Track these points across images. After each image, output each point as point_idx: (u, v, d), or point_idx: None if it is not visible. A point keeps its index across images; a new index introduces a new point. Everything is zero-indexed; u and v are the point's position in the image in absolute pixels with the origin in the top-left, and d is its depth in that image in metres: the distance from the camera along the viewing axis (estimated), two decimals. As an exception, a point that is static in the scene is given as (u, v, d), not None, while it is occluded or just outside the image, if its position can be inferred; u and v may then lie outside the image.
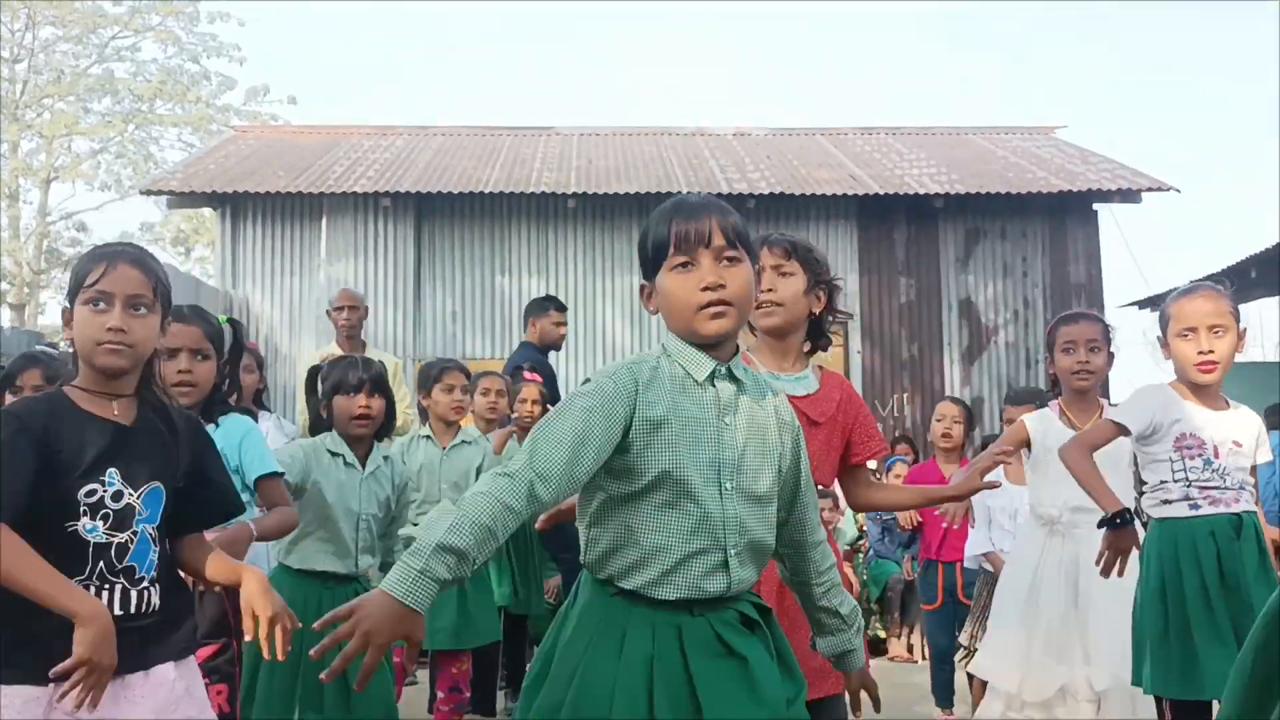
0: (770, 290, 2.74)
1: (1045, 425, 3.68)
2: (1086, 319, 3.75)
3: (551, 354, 6.99)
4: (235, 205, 12.13)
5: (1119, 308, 15.66)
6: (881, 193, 11.94)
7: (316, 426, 3.68)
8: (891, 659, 7.25)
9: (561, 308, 6.81)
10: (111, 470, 2.10)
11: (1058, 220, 12.38)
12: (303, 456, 3.51)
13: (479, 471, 4.62)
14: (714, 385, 2.04)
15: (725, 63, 57.89)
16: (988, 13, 59.54)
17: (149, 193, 12.77)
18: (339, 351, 6.28)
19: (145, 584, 2.11)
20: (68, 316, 2.17)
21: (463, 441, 4.79)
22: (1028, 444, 3.70)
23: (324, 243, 12.07)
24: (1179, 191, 12.19)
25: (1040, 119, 25.25)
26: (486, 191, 11.73)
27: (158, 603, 2.14)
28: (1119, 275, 41.17)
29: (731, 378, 2.06)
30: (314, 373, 3.85)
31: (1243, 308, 12.30)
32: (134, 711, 2.04)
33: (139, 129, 27.11)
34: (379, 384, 3.65)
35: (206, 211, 19.06)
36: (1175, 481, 3.06)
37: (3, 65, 25.24)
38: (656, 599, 1.94)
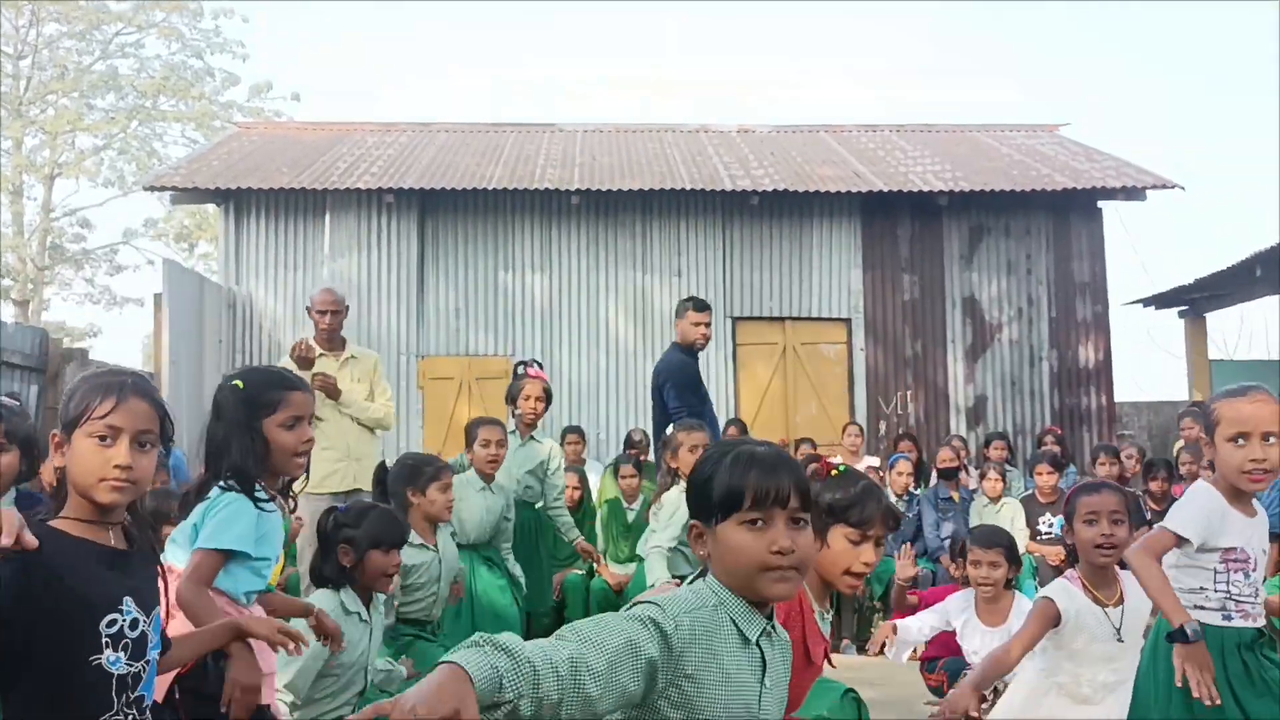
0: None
1: (1074, 602, 3.50)
2: (1109, 489, 3.60)
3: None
4: (239, 201, 12.13)
5: (1123, 305, 15.66)
6: (885, 190, 11.92)
7: (337, 575, 3.46)
8: (895, 656, 7.24)
9: (700, 307, 6.56)
10: (127, 598, 2.07)
11: (1062, 217, 12.37)
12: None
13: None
14: (759, 646, 1.99)
15: (729, 58, 57.90)
16: (992, 10, 59.51)
17: (152, 189, 12.77)
18: (317, 350, 6.24)
19: (146, 712, 2.10)
20: (58, 441, 2.08)
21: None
22: (1056, 622, 3.53)
23: (327, 238, 12.07)
24: (1184, 189, 12.18)
25: (1045, 116, 25.20)
26: (490, 188, 11.72)
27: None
28: (1123, 273, 41.09)
29: (769, 637, 2.02)
30: (329, 514, 3.61)
31: (1246, 306, 12.26)
32: None
33: (142, 125, 27.13)
34: (405, 540, 3.65)
35: (210, 207, 19.08)
36: (1216, 592, 2.96)
37: (6, 61, 25.25)
38: None
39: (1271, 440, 2.90)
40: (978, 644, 4.49)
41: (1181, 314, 14.12)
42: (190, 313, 11.20)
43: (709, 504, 1.97)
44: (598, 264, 12.16)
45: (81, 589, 1.99)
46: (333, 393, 6.11)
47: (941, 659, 5.05)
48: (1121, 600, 3.49)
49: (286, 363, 6.22)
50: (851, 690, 3.38)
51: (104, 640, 2.00)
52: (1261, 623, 2.99)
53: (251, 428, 2.74)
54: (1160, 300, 13.91)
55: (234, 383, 2.79)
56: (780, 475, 1.95)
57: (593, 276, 12.15)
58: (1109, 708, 3.46)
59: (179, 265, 12.35)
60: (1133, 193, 12.18)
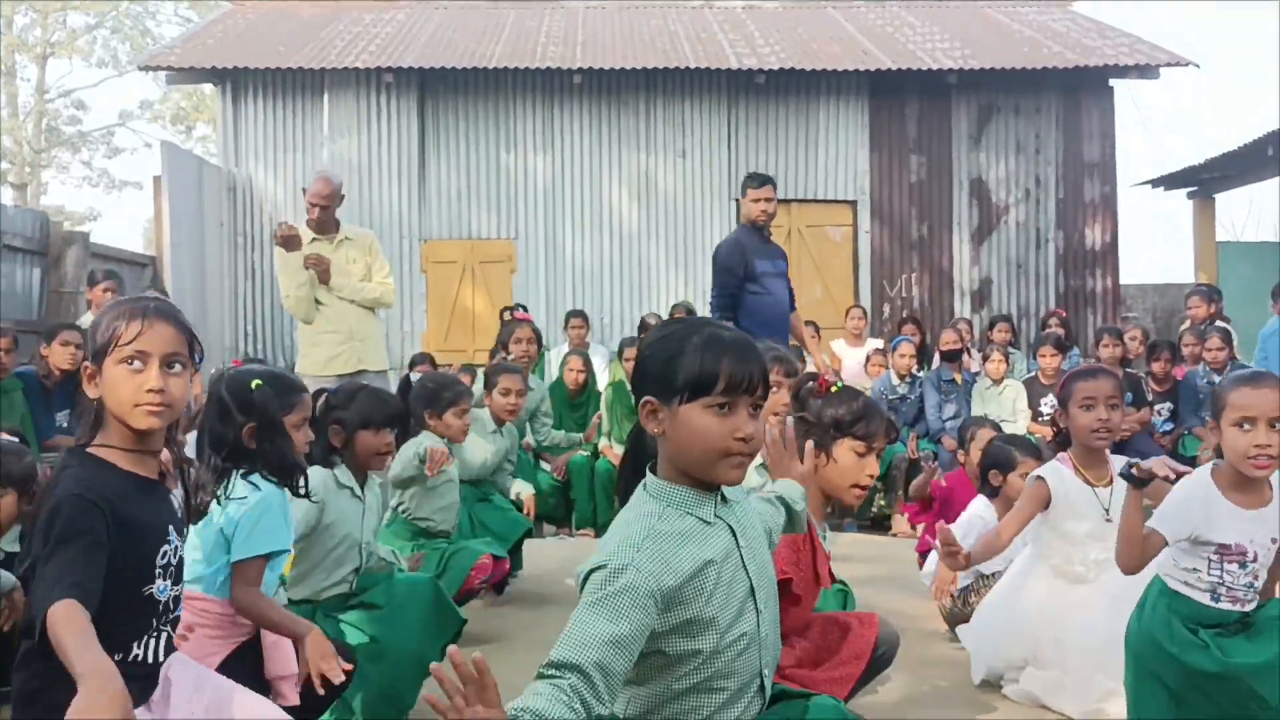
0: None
1: (1065, 483, 3.59)
2: (1104, 374, 3.63)
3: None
4: (235, 81, 11.93)
5: (1132, 186, 15.49)
6: (894, 68, 11.69)
7: (327, 455, 3.47)
8: (894, 535, 7.35)
9: (757, 182, 6.39)
10: (171, 528, 2.12)
11: (1072, 97, 12.16)
12: (321, 500, 3.38)
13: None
14: (719, 518, 2.01)
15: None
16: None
17: (147, 68, 12.53)
18: (310, 235, 6.17)
19: (175, 626, 2.19)
20: (90, 373, 2.08)
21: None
22: (1047, 503, 3.61)
23: (326, 119, 11.91)
24: (1198, 66, 11.93)
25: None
26: (491, 67, 11.50)
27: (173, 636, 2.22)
28: (1133, 154, 40.48)
29: (724, 500, 2.04)
30: (317, 397, 3.54)
31: (1257, 187, 12.15)
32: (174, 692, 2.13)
33: (135, 3, 26.55)
34: (399, 418, 3.63)
35: (207, 88, 18.77)
36: (1209, 576, 2.98)
37: (-8, -64, 24.60)
38: None
39: (1277, 426, 2.89)
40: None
41: (1190, 195, 13.98)
42: (190, 196, 11.11)
43: (672, 384, 1.93)
44: (601, 145, 12.00)
45: (139, 523, 2.02)
46: (324, 276, 6.06)
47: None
48: (1111, 481, 3.57)
49: (279, 248, 6.19)
50: (840, 582, 3.45)
51: (157, 570, 2.06)
52: (1250, 609, 3.02)
53: (281, 424, 2.84)
54: (1169, 181, 13.76)
55: (254, 382, 2.81)
56: (752, 363, 1.95)
57: (596, 157, 12.01)
58: (1103, 585, 3.54)
59: (177, 147, 12.20)
60: (1145, 70, 11.95)
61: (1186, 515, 2.96)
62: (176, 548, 2.13)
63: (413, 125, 11.87)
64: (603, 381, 8.52)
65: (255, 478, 2.77)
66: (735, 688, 1.97)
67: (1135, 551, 2.95)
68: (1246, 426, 2.90)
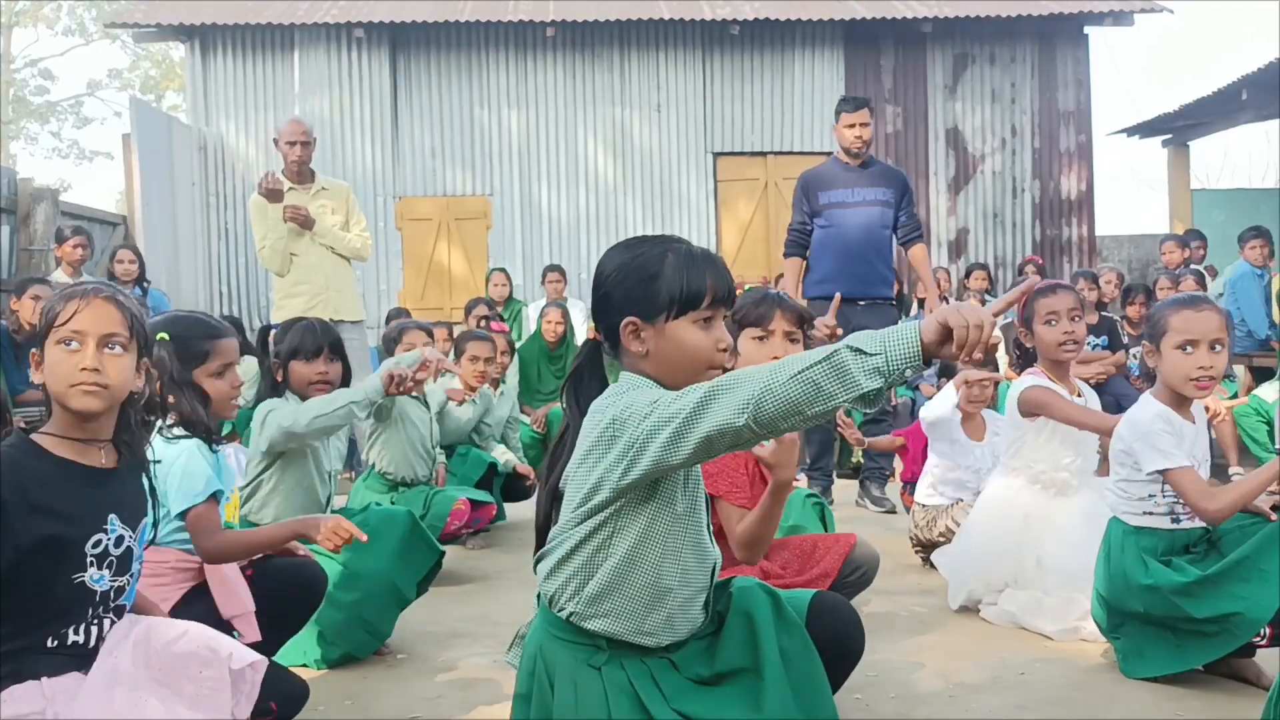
0: None
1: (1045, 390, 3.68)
2: (1064, 289, 3.72)
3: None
4: (204, 38, 11.77)
5: (1107, 135, 15.52)
6: (869, 17, 11.63)
7: (273, 390, 3.55)
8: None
9: (850, 107, 5.98)
10: (112, 516, 2.06)
11: (1048, 44, 12.14)
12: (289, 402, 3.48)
13: None
14: None
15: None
16: None
17: (113, 26, 12.37)
18: (287, 184, 6.13)
19: (114, 614, 2.12)
20: (37, 360, 2.05)
21: None
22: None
23: (297, 76, 11.77)
24: (1171, 12, 11.93)
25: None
26: (462, 21, 11.38)
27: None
28: (1108, 102, 40.49)
29: None
30: (265, 333, 3.72)
31: (1231, 134, 12.11)
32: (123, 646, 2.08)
33: (100, -32, 26.16)
34: (336, 348, 3.60)
35: (175, 56, 18.54)
36: (1164, 498, 3.03)
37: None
38: (644, 647, 1.95)
39: (1218, 348, 2.95)
40: (956, 474, 4.53)
41: (1165, 143, 13.99)
42: (161, 154, 10.98)
43: (655, 302, 1.94)
44: (575, 99, 11.91)
45: (60, 511, 1.98)
46: (306, 223, 6.03)
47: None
48: (1079, 394, 3.70)
49: (256, 199, 6.12)
50: (813, 494, 3.46)
51: (89, 560, 2.01)
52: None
53: (189, 380, 2.74)
54: (1144, 129, 13.75)
55: (159, 335, 2.71)
56: (726, 274, 2.00)
57: (571, 112, 11.92)
58: (1084, 498, 3.58)
59: (147, 105, 12.07)
60: (1120, 17, 11.94)
61: (1163, 441, 2.99)
62: (121, 537, 2.08)
63: (385, 81, 11.75)
64: (580, 336, 8.49)
65: (176, 432, 2.71)
66: (694, 585, 1.98)
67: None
68: (1189, 349, 2.95)
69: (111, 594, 2.07)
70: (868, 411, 5.96)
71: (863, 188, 5.94)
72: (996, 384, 4.58)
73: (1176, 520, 3.04)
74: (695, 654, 2.00)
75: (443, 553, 3.63)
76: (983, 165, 12.18)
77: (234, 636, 2.41)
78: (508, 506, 5.61)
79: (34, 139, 30.00)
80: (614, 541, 1.91)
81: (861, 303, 5.62)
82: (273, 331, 3.68)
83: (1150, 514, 3.06)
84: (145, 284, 7.86)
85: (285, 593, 2.76)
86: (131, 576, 2.10)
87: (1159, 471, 2.98)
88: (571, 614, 1.93)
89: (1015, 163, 12.21)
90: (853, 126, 5.92)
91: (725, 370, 1.95)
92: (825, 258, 5.92)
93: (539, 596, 2.02)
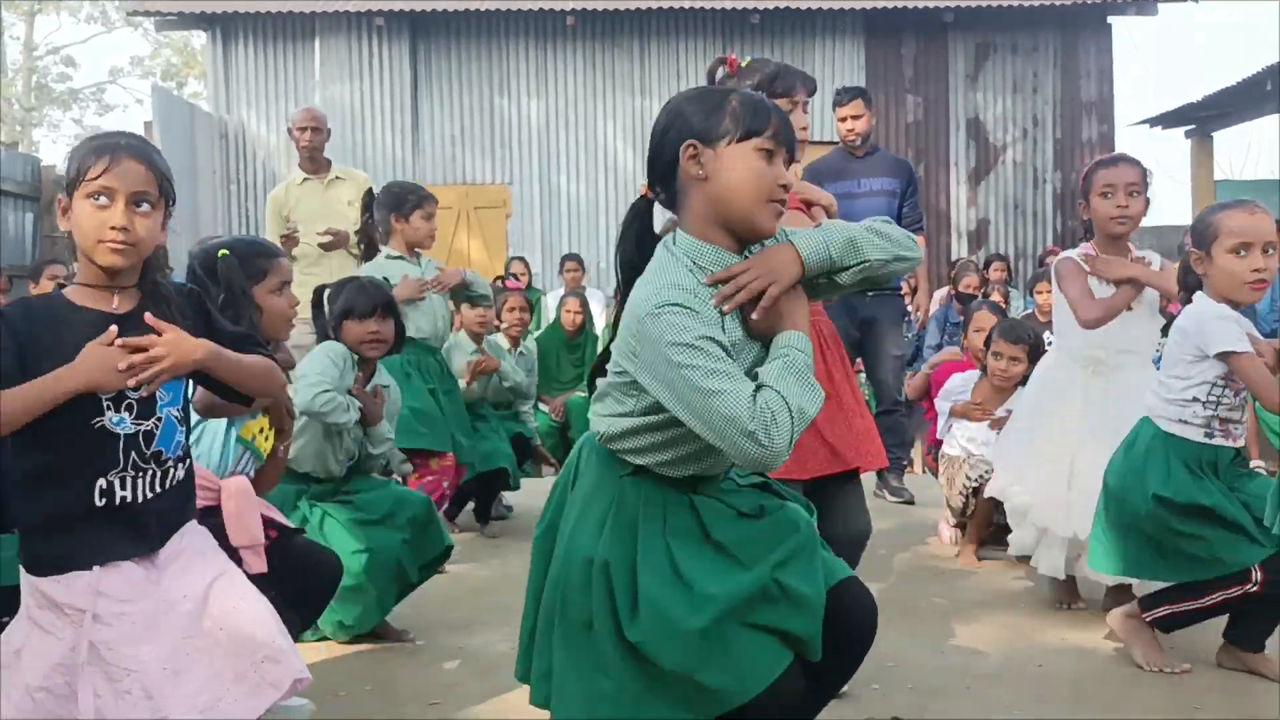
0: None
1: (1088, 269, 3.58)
2: (1126, 162, 3.58)
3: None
4: (225, 26, 11.81)
5: (1130, 126, 15.41)
6: (890, 6, 11.58)
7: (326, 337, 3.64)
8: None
9: (847, 98, 5.94)
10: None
11: (1070, 34, 12.06)
12: (341, 363, 3.51)
13: None
14: None
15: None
16: None
17: (136, 14, 12.41)
18: (301, 175, 6.16)
19: (171, 464, 2.13)
20: (64, 206, 2.06)
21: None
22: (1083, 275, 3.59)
23: (318, 64, 11.80)
24: (1196, 1, 11.83)
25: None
26: (482, 9, 11.39)
27: (182, 476, 2.17)
28: (1132, 93, 40.13)
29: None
30: (320, 292, 3.77)
31: (1255, 125, 11.95)
32: (174, 566, 2.09)
33: (122, -44, 26.24)
34: (390, 308, 3.65)
35: (196, 44, 18.61)
36: (1205, 406, 2.98)
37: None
38: (672, 476, 1.96)
39: (1271, 251, 2.91)
40: (972, 431, 4.52)
41: (1188, 134, 13.88)
42: (182, 142, 11.03)
43: (718, 127, 1.93)
44: (595, 87, 11.91)
45: (71, 355, 1.99)
46: (343, 241, 6.04)
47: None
48: (1149, 261, 3.54)
49: (275, 195, 6.16)
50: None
51: (104, 402, 2.02)
52: (1241, 444, 3.05)
53: (248, 294, 2.76)
54: (1167, 119, 13.65)
55: (220, 252, 2.74)
56: (789, 123, 1.99)
57: (590, 100, 11.92)
58: (1127, 375, 3.51)
59: (168, 93, 12.14)
60: (1143, 6, 11.85)
61: (1237, 326, 2.92)
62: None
63: (405, 69, 11.77)
64: (599, 324, 8.50)
65: None
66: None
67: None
68: (1243, 252, 2.91)
69: (141, 440, 2.07)
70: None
71: (868, 178, 5.89)
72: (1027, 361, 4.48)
73: (1210, 435, 3.00)
74: (724, 510, 2.00)
75: (452, 545, 3.65)
76: (1004, 155, 12.12)
77: (240, 567, 2.44)
78: (523, 496, 5.62)
79: (56, 126, 30.20)
80: (640, 402, 1.93)
81: (870, 294, 5.57)
82: (327, 291, 3.74)
83: (1185, 423, 3.02)
84: (168, 270, 7.90)
85: (303, 579, 2.77)
86: (159, 421, 2.10)
87: (1226, 355, 2.90)
88: (610, 443, 1.99)
89: (1037, 153, 12.14)
90: (844, 119, 5.89)
91: (781, 206, 1.94)
92: None
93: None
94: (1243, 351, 2.89)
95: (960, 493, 4.40)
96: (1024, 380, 4.46)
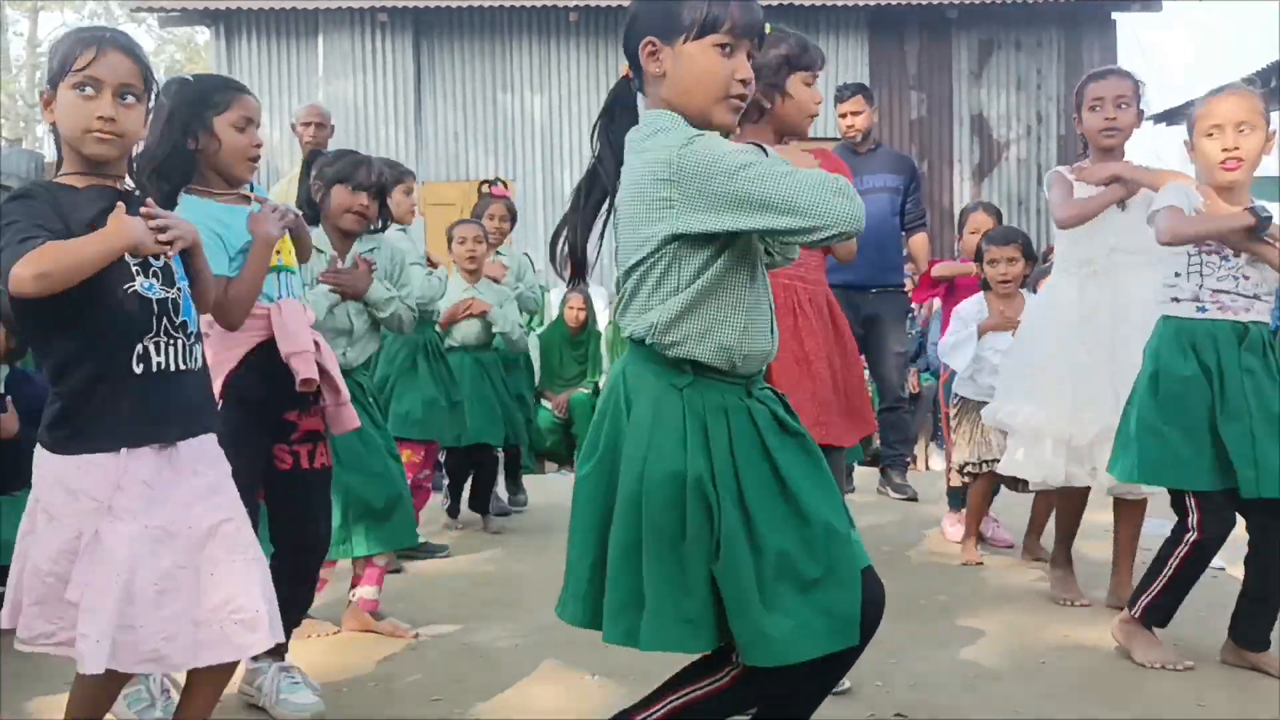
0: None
1: (1071, 180, 3.60)
2: (1116, 74, 3.61)
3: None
4: (229, 23, 11.82)
5: (1133, 124, 15.38)
6: (894, 2, 11.57)
7: (308, 216, 3.36)
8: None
9: (848, 94, 5.86)
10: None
11: (1074, 30, 12.04)
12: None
13: None
14: None
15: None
16: None
17: (140, 10, 12.42)
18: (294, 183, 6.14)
19: (194, 339, 2.17)
20: (48, 98, 2.09)
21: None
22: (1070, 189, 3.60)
23: (321, 61, 11.81)
24: (1201, -2, 11.80)
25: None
26: (485, 5, 11.39)
27: (200, 363, 2.20)
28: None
29: None
30: (313, 156, 3.69)
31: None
32: (191, 483, 2.12)
33: (125, -48, 26.24)
34: (382, 192, 3.55)
35: (200, 39, 18.63)
36: (1189, 278, 2.99)
37: (-21, -116, 24.28)
38: (732, 370, 1.95)
39: (1244, 130, 2.91)
40: (1002, 345, 4.33)
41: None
42: (185, 139, 11.05)
43: (677, 23, 1.93)
44: (598, 83, 11.91)
45: (101, 221, 2.02)
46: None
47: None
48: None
49: (280, 188, 6.14)
50: None
51: (133, 268, 2.06)
52: (1252, 317, 2.98)
53: (201, 124, 2.63)
54: (1170, 116, 13.63)
55: (181, 78, 2.68)
56: (755, 11, 1.96)
57: (593, 96, 11.92)
58: (1125, 276, 3.49)
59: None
60: (1148, 3, 11.83)
61: (1183, 194, 2.98)
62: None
63: (408, 65, 11.77)
64: (603, 320, 8.50)
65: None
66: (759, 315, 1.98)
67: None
68: (1214, 134, 2.94)
69: (170, 307, 2.11)
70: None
71: (871, 174, 5.82)
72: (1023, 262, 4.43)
73: (1203, 309, 2.99)
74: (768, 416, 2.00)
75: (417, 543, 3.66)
76: (1007, 152, 12.12)
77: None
78: (529, 492, 5.63)
79: (60, 122, 30.18)
80: (683, 272, 1.90)
81: (874, 290, 5.56)
82: (321, 156, 3.60)
83: (1177, 300, 3.03)
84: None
85: (323, 495, 2.83)
86: (180, 291, 2.14)
87: (1152, 215, 3.00)
88: (654, 344, 1.94)
89: (1040, 149, 12.13)
90: (844, 116, 5.84)
91: (740, 101, 1.95)
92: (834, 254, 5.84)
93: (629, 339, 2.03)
94: (1164, 205, 2.94)
95: (967, 467, 4.35)
96: (1025, 280, 4.45)
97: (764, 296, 2.00)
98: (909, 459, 6.08)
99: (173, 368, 2.11)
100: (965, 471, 4.40)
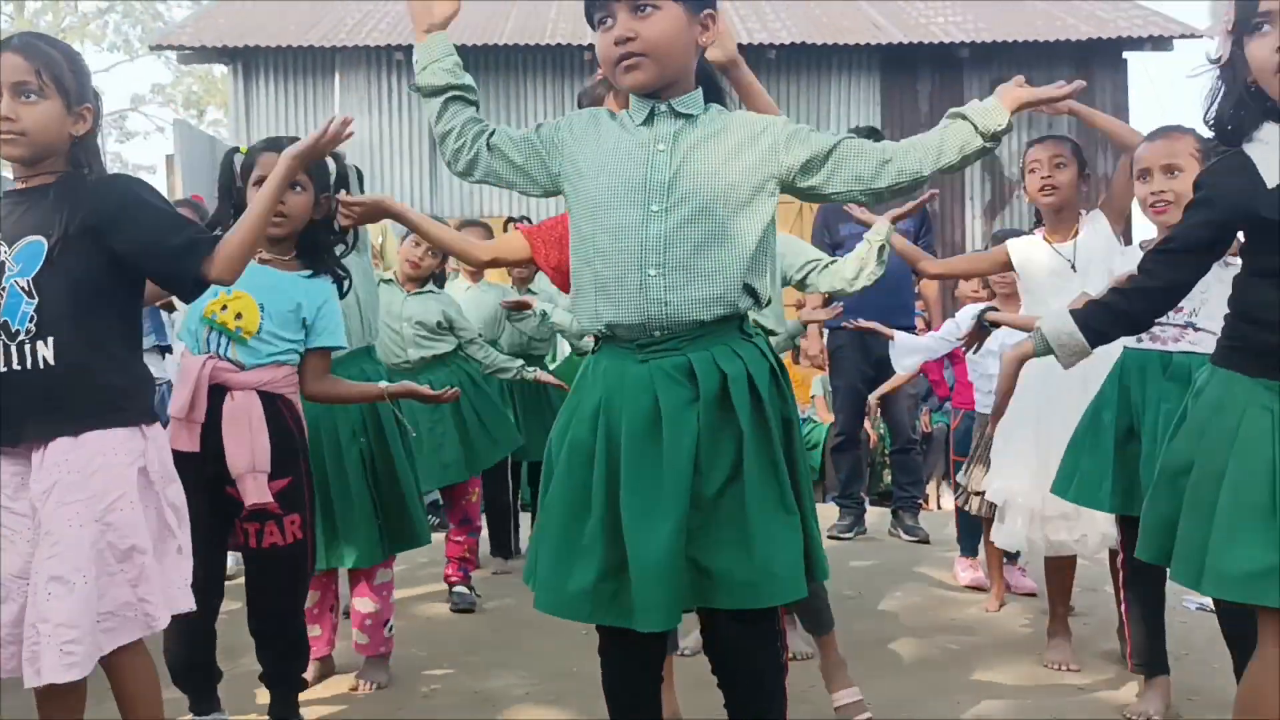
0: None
1: (1030, 249, 3.70)
2: (1052, 139, 3.81)
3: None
4: (247, 61, 11.95)
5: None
6: (906, 41, 11.64)
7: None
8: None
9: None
10: None
11: (1086, 70, 12.07)
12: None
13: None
14: (652, 124, 2.13)
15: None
16: None
17: (159, 48, 12.56)
18: None
19: (24, 339, 2.12)
20: None
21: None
22: (1009, 267, 3.76)
23: (338, 99, 11.92)
24: (1212, 38, 11.83)
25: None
26: (501, 44, 11.50)
27: (52, 359, 2.13)
28: (1148, 128, 39.99)
29: (675, 115, 2.13)
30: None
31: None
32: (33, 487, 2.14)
33: (146, -13, 26.56)
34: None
35: (218, 72, 18.80)
36: None
37: (3, -79, 24.62)
38: (614, 335, 2.07)
39: (1175, 174, 2.96)
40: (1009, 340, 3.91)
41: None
42: (203, 175, 11.14)
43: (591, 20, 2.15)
44: (612, 122, 11.97)
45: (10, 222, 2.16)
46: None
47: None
48: (1076, 234, 3.67)
49: None
50: None
51: None
52: (1181, 347, 2.97)
53: (235, 191, 2.84)
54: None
55: (233, 150, 2.94)
56: None
57: (607, 134, 11.98)
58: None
59: (190, 126, 12.25)
60: (1160, 42, 11.88)
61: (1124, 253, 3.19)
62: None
63: (423, 104, 11.86)
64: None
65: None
66: (610, 275, 2.07)
67: None
68: (1145, 178, 3.03)
69: None
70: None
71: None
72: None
73: (1139, 339, 3.03)
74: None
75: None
76: (1019, 190, 12.10)
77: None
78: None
79: (77, 154, 30.41)
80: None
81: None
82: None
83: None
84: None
85: (273, 575, 2.79)
86: (3, 290, 2.15)
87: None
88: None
89: (1052, 187, 12.13)
90: None
91: (630, 56, 2.06)
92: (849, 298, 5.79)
93: None
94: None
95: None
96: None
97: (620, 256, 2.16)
98: (920, 500, 6.08)
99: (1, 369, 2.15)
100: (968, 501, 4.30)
